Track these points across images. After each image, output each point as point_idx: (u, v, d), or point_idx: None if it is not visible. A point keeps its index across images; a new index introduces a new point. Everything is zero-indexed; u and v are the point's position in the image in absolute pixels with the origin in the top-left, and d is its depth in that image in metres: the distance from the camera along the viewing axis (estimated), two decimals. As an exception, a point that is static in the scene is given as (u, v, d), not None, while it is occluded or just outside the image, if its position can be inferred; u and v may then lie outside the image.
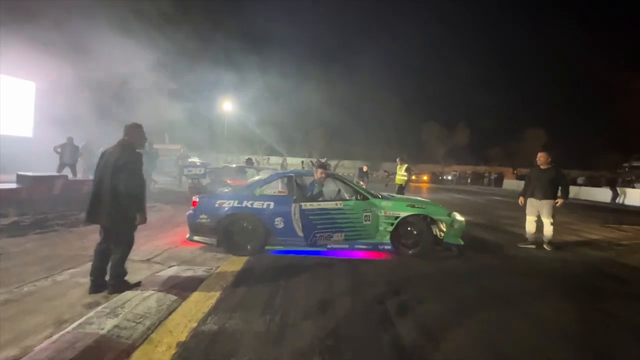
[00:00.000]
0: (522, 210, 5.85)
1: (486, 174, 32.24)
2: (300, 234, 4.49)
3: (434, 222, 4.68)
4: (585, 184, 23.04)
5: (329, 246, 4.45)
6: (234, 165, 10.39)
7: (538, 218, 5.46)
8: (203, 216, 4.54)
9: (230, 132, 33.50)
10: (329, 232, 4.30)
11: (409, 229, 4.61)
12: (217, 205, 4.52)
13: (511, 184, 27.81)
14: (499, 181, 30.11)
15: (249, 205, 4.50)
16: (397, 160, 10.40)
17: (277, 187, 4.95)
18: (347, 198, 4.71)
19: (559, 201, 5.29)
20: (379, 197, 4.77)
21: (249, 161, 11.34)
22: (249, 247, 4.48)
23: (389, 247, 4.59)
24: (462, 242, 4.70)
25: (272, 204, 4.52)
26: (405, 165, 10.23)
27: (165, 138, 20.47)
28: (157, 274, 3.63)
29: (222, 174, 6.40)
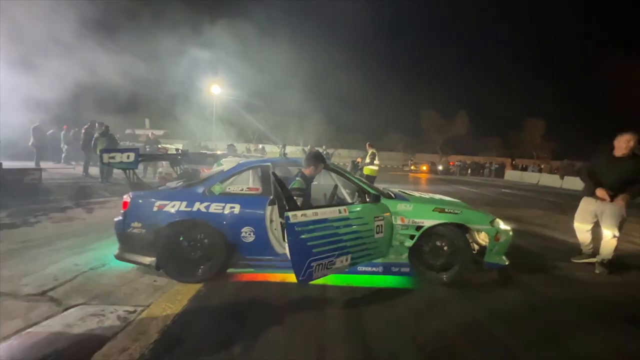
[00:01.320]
0: (542, 206, 4.44)
1: (487, 165, 31.01)
2: (281, 250, 3.08)
3: (466, 231, 3.29)
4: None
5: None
6: (206, 152, 8.88)
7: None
8: (136, 224, 3.07)
9: (221, 119, 31.65)
10: (331, 256, 2.62)
11: (437, 243, 3.21)
12: (155, 209, 3.05)
13: (513, 175, 26.66)
14: (499, 172, 28.95)
15: (203, 210, 3.05)
16: (367, 146, 8.85)
17: (247, 183, 3.49)
18: (348, 199, 3.28)
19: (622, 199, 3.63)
20: (392, 197, 3.34)
21: (230, 147, 9.81)
22: (200, 270, 3.05)
23: (406, 269, 3.20)
24: (507, 262, 3.32)
25: (237, 208, 3.08)
26: (371, 151, 8.58)
27: (145, 123, 18.74)
28: (34, 328, 2.19)
29: (197, 163, 4.88)
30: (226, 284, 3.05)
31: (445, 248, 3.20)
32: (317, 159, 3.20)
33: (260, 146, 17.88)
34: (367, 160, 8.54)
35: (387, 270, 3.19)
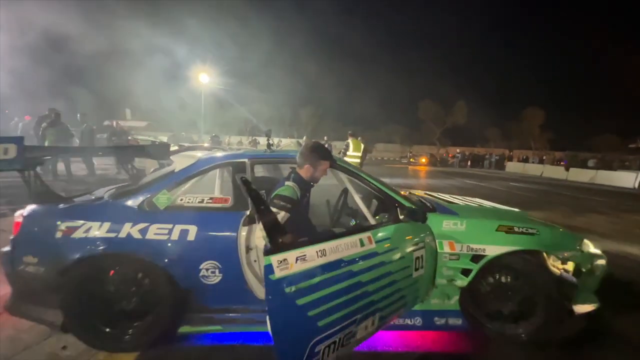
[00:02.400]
0: (568, 203, 3.34)
1: (487, 156, 30.08)
2: (261, 294, 1.96)
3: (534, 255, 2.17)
4: (597, 167, 21.16)
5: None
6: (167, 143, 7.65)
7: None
8: (30, 258, 1.91)
9: (212, 110, 30.06)
10: (349, 325, 1.48)
11: (503, 279, 2.10)
12: (59, 235, 1.89)
13: (515, 166, 25.80)
14: (500, 164, 28.08)
15: (137, 235, 1.89)
16: (348, 136, 7.91)
17: (212, 190, 2.32)
18: (367, 213, 2.14)
19: None
20: (430, 208, 2.24)
21: (214, 139, 8.59)
22: (132, 332, 1.91)
23: (457, 320, 2.10)
24: (597, 303, 2.22)
25: (193, 230, 1.94)
26: (351, 140, 7.64)
27: (126, 113, 17.26)
28: None
29: (158, 158, 3.65)
30: (177, 354, 1.92)
31: (517, 287, 2.09)
32: (318, 154, 2.06)
33: (252, 138, 16.51)
34: (352, 151, 7.51)
35: (427, 322, 2.08)
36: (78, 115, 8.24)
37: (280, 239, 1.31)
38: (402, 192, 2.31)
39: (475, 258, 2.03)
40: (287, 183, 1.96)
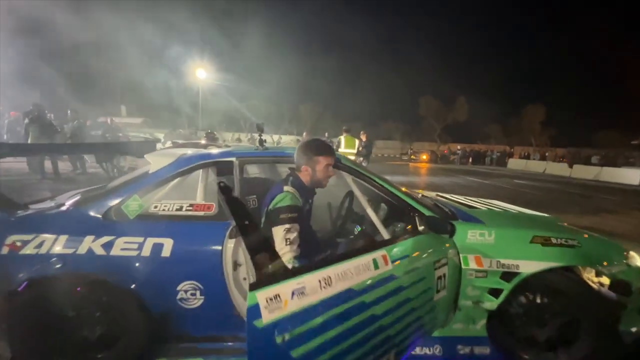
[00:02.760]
0: (580, 203, 3.03)
1: (488, 153, 29.74)
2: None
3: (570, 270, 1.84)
4: (600, 164, 20.84)
5: None
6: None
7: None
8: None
9: (209, 107, 29.59)
10: None
11: (540, 299, 1.77)
12: (5, 250, 1.55)
13: (517, 163, 25.46)
14: (502, 160, 27.75)
15: (100, 251, 1.57)
16: (343, 132, 7.51)
17: (193, 195, 1.97)
18: (376, 220, 1.81)
19: None
20: (450, 214, 1.92)
21: (209, 136, 8.25)
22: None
23: (484, 349, 1.77)
24: None
25: (168, 245, 1.61)
26: (344, 137, 7.25)
27: (121, 110, 16.85)
28: None
29: (140, 155, 3.27)
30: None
31: (557, 308, 1.77)
32: (312, 149, 1.71)
33: (250, 136, 16.08)
34: (345, 148, 7.13)
35: (449, 351, 1.76)
36: (68, 111, 7.86)
37: (270, 264, 0.98)
38: (419, 198, 1.98)
39: (507, 276, 1.70)
40: (285, 189, 1.61)
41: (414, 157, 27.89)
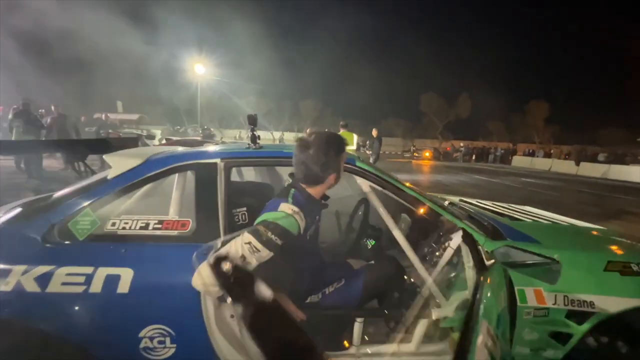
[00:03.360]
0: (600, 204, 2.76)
1: (492, 150, 29.23)
2: None
3: None
4: (608, 161, 20.37)
5: None
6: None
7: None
8: None
9: (208, 103, 29.07)
10: None
11: (622, 346, 1.36)
12: None
13: (522, 161, 24.98)
14: (505, 158, 27.25)
15: (33, 287, 1.15)
16: (340, 128, 7.17)
17: (165, 207, 1.56)
18: (395, 230, 1.39)
19: None
20: (493, 230, 1.50)
21: (206, 133, 7.83)
22: None
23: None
24: None
25: (127, 276, 1.18)
26: (343, 132, 6.86)
27: (117, 106, 16.42)
28: None
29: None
30: None
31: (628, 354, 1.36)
32: (341, 146, 1.29)
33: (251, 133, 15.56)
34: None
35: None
36: (52, 106, 7.41)
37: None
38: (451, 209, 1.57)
39: (577, 316, 1.29)
40: (283, 206, 1.17)
41: (417, 155, 27.41)
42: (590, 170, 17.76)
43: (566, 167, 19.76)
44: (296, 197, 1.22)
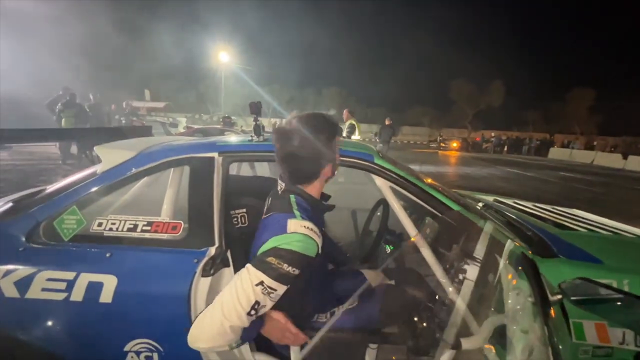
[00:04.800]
0: None
1: (527, 141, 27.36)
2: None
3: None
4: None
5: None
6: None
7: None
8: None
9: (234, 92, 29.36)
10: None
11: None
12: None
13: (560, 153, 23.20)
14: (542, 149, 25.40)
15: (12, 293, 1.06)
16: (345, 114, 6.55)
17: (156, 207, 1.40)
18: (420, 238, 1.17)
19: None
20: (541, 243, 1.23)
21: (226, 121, 7.79)
22: None
23: None
24: None
25: (109, 285, 1.06)
26: (349, 122, 6.30)
27: (145, 94, 16.91)
28: None
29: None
30: None
31: None
32: (332, 129, 1.01)
33: (275, 121, 15.51)
34: (344, 134, 6.17)
35: None
36: (90, 95, 7.65)
37: None
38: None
39: (652, 360, 1.02)
40: (293, 224, 0.90)
41: (444, 145, 26.21)
42: (639, 164, 16.15)
43: (612, 160, 18.10)
44: (301, 206, 0.97)
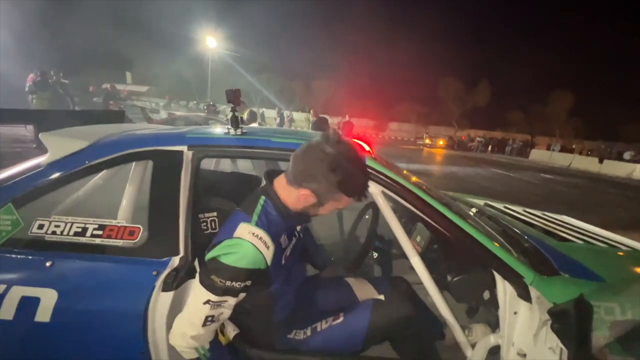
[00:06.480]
0: None
1: (510, 142, 28.07)
2: None
3: None
4: (634, 160, 19.23)
5: None
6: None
7: None
8: None
9: (219, 78, 28.47)
10: None
11: None
12: None
13: (540, 154, 23.89)
14: (523, 151, 26.13)
15: None
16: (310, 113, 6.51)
17: (112, 209, 1.22)
18: (408, 245, 1.06)
19: None
20: (538, 258, 1.14)
21: (210, 109, 7.47)
22: None
23: None
24: None
25: (47, 301, 0.89)
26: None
27: (126, 77, 16.06)
28: None
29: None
30: None
31: None
32: (350, 190, 0.92)
33: (262, 111, 14.97)
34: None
35: None
36: (51, 72, 7.12)
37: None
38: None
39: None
40: (241, 229, 0.87)
41: (430, 142, 26.47)
42: (615, 168, 16.85)
43: (588, 163, 18.79)
44: (265, 211, 0.92)
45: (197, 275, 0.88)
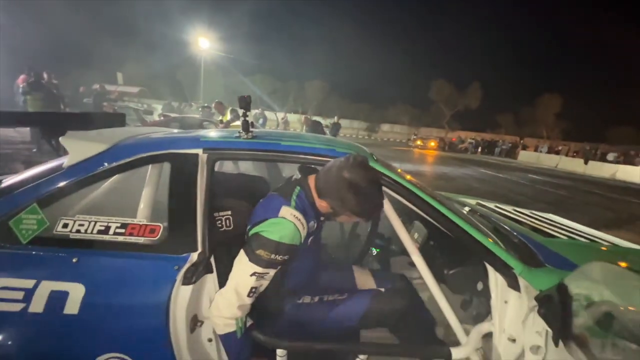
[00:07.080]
0: None
1: (499, 143, 28.65)
2: None
3: None
4: (617, 162, 19.88)
5: None
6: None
7: None
8: None
9: (212, 79, 28.33)
10: None
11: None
12: None
13: (529, 156, 24.48)
14: (512, 152, 26.71)
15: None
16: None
17: (132, 208, 1.28)
18: (407, 241, 1.15)
19: None
20: (527, 252, 1.25)
21: (206, 112, 7.48)
22: None
23: None
24: None
25: (75, 295, 0.95)
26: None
27: (117, 77, 15.87)
28: None
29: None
30: None
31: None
32: (364, 212, 1.07)
33: (259, 110, 14.93)
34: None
35: None
36: (44, 74, 7.03)
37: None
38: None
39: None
40: (284, 212, 1.01)
41: (421, 143, 26.78)
42: (599, 169, 17.40)
43: (574, 165, 19.34)
44: (300, 198, 1.06)
45: (242, 250, 1.00)
